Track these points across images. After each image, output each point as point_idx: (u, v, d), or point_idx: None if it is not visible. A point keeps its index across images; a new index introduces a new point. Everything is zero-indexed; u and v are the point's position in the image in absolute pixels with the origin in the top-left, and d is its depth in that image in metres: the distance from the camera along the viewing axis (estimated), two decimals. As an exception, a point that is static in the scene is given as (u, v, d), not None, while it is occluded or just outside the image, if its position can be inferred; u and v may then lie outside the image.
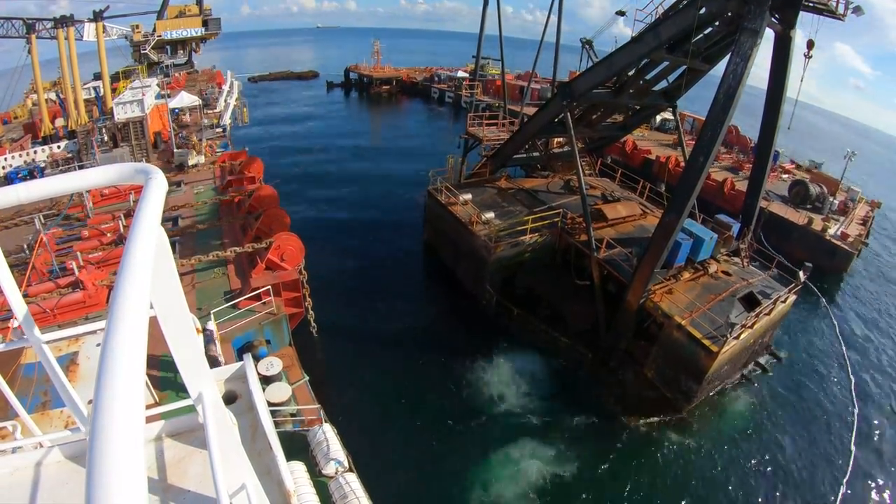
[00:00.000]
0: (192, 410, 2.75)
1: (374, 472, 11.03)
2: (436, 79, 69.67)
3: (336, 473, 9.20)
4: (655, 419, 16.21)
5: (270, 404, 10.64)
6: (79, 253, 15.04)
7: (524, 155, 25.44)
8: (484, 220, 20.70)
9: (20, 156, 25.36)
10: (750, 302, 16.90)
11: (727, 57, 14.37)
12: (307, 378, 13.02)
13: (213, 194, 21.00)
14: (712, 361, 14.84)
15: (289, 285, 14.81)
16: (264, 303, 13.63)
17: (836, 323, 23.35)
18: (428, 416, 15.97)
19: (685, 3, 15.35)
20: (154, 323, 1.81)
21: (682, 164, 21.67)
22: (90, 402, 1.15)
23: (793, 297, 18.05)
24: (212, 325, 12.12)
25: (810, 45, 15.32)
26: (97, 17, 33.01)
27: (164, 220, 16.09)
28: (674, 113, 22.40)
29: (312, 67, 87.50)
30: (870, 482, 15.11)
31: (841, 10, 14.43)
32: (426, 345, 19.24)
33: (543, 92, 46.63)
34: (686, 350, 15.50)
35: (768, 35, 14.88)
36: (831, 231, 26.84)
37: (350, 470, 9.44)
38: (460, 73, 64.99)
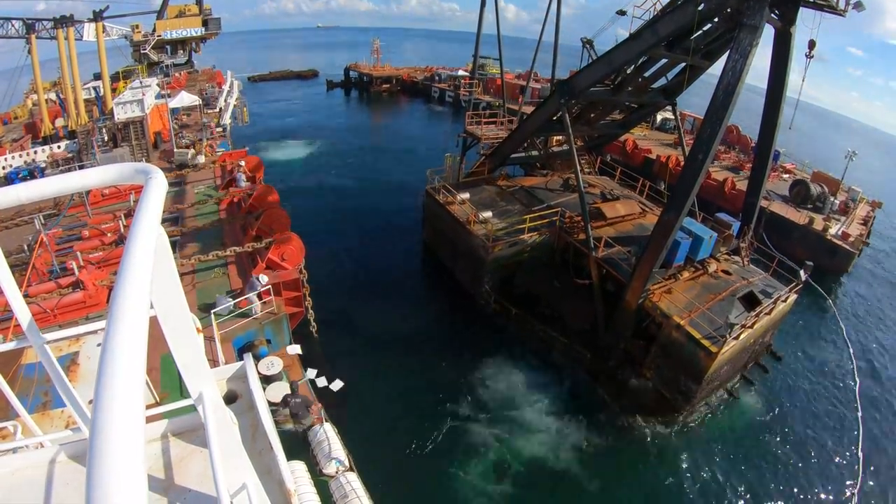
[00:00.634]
0: (192, 410, 2.75)
1: (374, 471, 11.05)
2: (436, 78, 69.62)
3: (337, 473, 9.21)
4: (654, 419, 16.20)
5: (271, 404, 10.66)
6: (79, 253, 15.05)
7: (523, 154, 25.40)
8: (482, 220, 20.67)
9: (20, 156, 25.38)
10: (750, 301, 16.85)
11: (726, 54, 14.34)
12: (307, 378, 13.03)
13: (214, 194, 21.00)
14: (712, 362, 14.80)
15: (289, 285, 14.83)
16: (265, 302, 13.64)
17: (837, 322, 23.33)
18: (428, 415, 15.98)
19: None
20: (154, 323, 1.81)
21: (683, 163, 21.63)
22: (91, 402, 1.15)
23: (794, 297, 17.97)
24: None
25: (812, 45, 15.25)
26: (97, 17, 33.06)
27: (164, 220, 16.11)
28: (674, 111, 22.34)
29: (312, 66, 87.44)
30: (879, 485, 15.05)
31: (842, 5, 14.33)
32: (425, 344, 19.25)
33: (544, 91, 46.58)
34: (685, 350, 15.47)
35: (769, 33, 14.86)
36: (832, 231, 26.81)
37: (350, 469, 9.46)
38: (460, 73, 64.95)
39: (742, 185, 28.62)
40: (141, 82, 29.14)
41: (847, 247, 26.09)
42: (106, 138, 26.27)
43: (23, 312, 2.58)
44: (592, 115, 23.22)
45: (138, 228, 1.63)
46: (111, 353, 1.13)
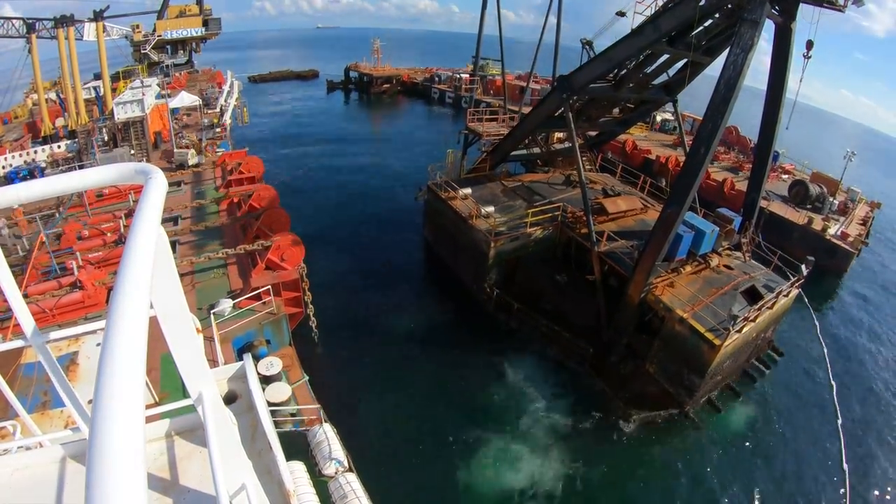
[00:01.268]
0: (192, 410, 2.75)
1: (374, 471, 11.04)
2: (436, 79, 69.61)
3: (336, 473, 9.20)
4: (657, 414, 16.18)
5: (270, 404, 10.65)
6: (79, 253, 15.04)
7: (524, 151, 25.39)
8: (484, 214, 20.61)
9: (20, 156, 25.37)
10: (752, 295, 16.88)
11: (727, 50, 14.36)
12: (307, 378, 13.02)
13: (214, 194, 21.00)
14: (715, 355, 14.82)
15: (289, 285, 14.81)
16: (264, 303, 13.63)
17: (837, 320, 23.40)
18: (428, 414, 15.98)
19: None
20: (154, 323, 1.81)
21: (683, 162, 21.62)
22: (90, 401, 1.15)
23: (795, 292, 17.99)
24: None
25: (809, 45, 15.29)
26: (97, 16, 33.07)
27: (164, 220, 16.09)
28: (674, 107, 22.32)
29: (312, 67, 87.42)
30: (867, 483, 15.11)
31: (841, 1, 14.38)
32: (426, 343, 19.25)
33: (544, 92, 46.60)
34: (688, 344, 15.49)
35: (769, 30, 14.88)
36: (831, 231, 26.84)
37: (350, 470, 9.45)
38: (460, 74, 64.97)
39: (741, 186, 28.64)
40: (141, 82, 29.13)
41: (846, 247, 26.12)
42: (106, 138, 26.27)
43: (22, 312, 2.58)
44: (593, 112, 23.20)
45: (138, 228, 1.63)
46: (111, 352, 1.13)
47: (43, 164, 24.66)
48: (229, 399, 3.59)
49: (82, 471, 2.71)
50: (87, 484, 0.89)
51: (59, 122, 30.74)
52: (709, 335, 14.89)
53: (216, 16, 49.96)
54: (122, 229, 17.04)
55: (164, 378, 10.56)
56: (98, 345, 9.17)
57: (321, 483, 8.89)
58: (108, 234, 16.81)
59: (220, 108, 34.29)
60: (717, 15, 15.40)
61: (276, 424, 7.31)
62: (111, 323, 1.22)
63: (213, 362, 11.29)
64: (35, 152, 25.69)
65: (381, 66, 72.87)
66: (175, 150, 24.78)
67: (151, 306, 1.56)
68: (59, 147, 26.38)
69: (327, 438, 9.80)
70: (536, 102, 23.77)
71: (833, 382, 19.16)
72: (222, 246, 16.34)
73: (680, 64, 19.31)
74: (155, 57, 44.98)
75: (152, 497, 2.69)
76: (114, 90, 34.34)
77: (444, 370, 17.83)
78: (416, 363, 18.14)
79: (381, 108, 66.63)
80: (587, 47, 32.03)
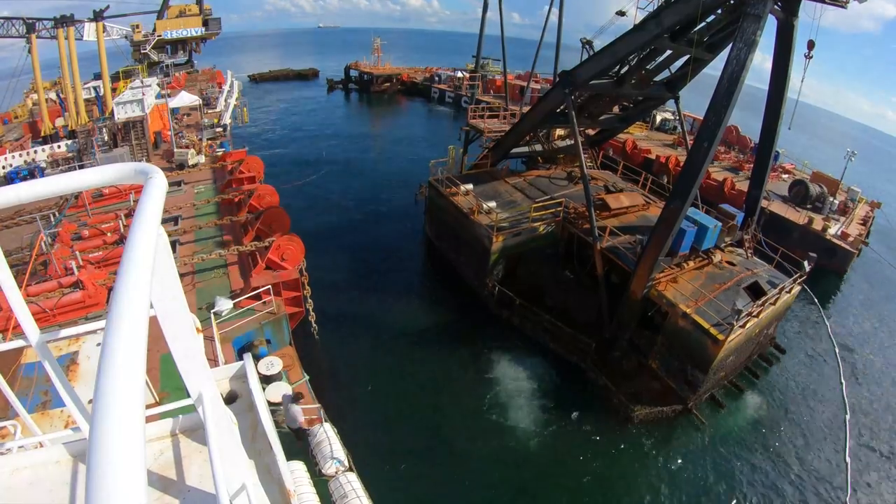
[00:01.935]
0: (192, 410, 2.75)
1: (374, 471, 11.04)
2: (436, 79, 69.59)
3: (336, 473, 9.20)
4: (660, 410, 16.17)
5: (270, 404, 10.64)
6: (79, 253, 15.04)
7: (526, 148, 25.38)
8: (486, 210, 20.58)
9: (20, 156, 25.36)
10: (755, 291, 16.90)
11: (729, 46, 14.39)
12: (307, 378, 13.02)
13: (214, 194, 20.99)
14: (718, 350, 14.84)
15: (289, 285, 14.80)
16: (264, 302, 13.63)
17: (839, 320, 23.42)
18: (429, 412, 15.99)
19: None
20: (154, 322, 1.81)
21: (684, 161, 21.64)
22: (90, 401, 1.15)
23: (797, 288, 18.01)
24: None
25: (811, 45, 15.30)
26: (97, 16, 33.05)
27: (164, 220, 16.10)
28: (676, 104, 22.29)
29: (313, 66, 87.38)
30: (870, 483, 15.10)
31: None
32: (428, 340, 19.26)
33: (544, 92, 46.62)
34: (692, 339, 15.51)
35: (770, 28, 14.86)
36: (832, 231, 26.84)
37: (350, 469, 9.44)
38: (460, 74, 64.95)
39: (742, 186, 28.67)
40: (141, 82, 29.13)
41: (846, 246, 26.13)
42: (106, 138, 26.25)
43: (22, 312, 2.58)
44: (594, 109, 23.19)
45: (138, 228, 1.63)
46: (111, 352, 1.13)
47: (43, 164, 24.64)
48: (230, 399, 3.60)
49: (83, 471, 2.71)
50: (87, 483, 0.89)
51: (59, 122, 30.71)
52: (713, 330, 14.91)
53: (216, 15, 49.91)
54: (122, 229, 17.04)
55: (164, 378, 10.56)
56: (98, 345, 9.16)
57: (321, 482, 8.88)
58: (109, 234, 16.80)
59: (220, 109, 34.30)
60: (719, 10, 15.42)
61: (277, 424, 7.31)
62: (111, 323, 1.22)
63: (214, 362, 11.29)
64: (35, 152, 25.68)
65: (382, 65, 72.93)
66: (175, 150, 24.76)
67: (151, 306, 1.57)
68: (59, 147, 26.37)
69: (327, 438, 9.79)
70: (538, 99, 23.75)
71: (837, 378, 19.18)
72: (222, 246, 16.34)
73: (682, 60, 19.32)
74: (155, 57, 44.96)
75: (153, 496, 2.70)
76: (114, 90, 34.32)
77: (445, 368, 17.83)
78: (417, 361, 18.14)
79: (382, 107, 66.65)
80: (587, 47, 32.01)
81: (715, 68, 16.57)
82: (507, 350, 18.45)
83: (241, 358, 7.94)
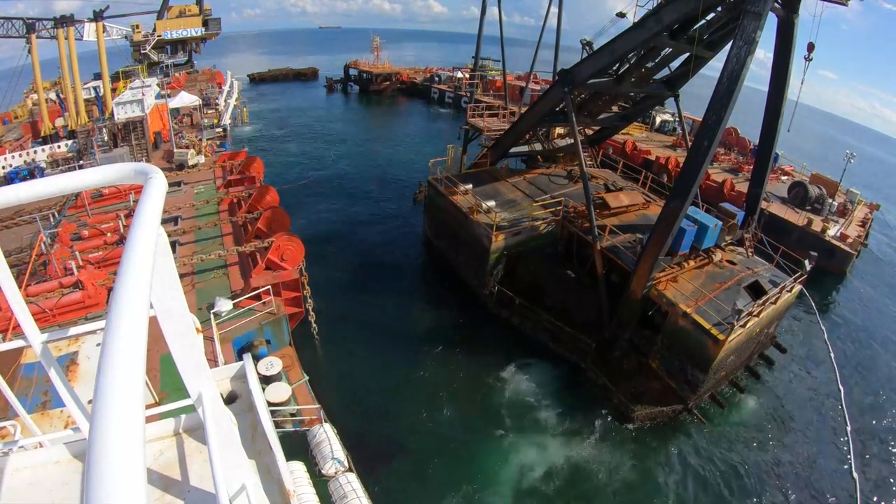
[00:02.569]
0: (192, 410, 2.75)
1: (374, 471, 11.05)
2: (436, 79, 69.64)
3: (336, 473, 9.20)
4: (660, 410, 16.15)
5: (270, 404, 10.65)
6: (79, 253, 15.03)
7: (525, 147, 25.34)
8: (485, 209, 20.55)
9: (20, 156, 25.37)
10: (756, 291, 16.88)
11: (730, 45, 14.36)
12: (307, 378, 13.02)
13: (213, 194, 21.00)
14: (719, 350, 14.82)
15: (289, 285, 14.81)
16: (264, 303, 13.63)
17: (838, 320, 23.46)
18: (429, 412, 15.97)
19: None
20: (154, 322, 1.81)
21: (684, 161, 21.64)
22: (90, 401, 1.15)
23: (798, 287, 17.98)
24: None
25: (810, 47, 15.31)
26: (97, 17, 33.06)
27: (164, 221, 16.10)
28: (676, 103, 22.21)
29: (313, 65, 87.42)
30: (875, 483, 15.09)
31: None
32: (427, 340, 19.24)
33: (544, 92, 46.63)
34: (692, 338, 15.48)
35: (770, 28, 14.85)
36: (831, 232, 26.86)
37: (350, 470, 9.44)
38: (459, 74, 64.99)
39: (741, 187, 28.66)
40: (141, 82, 29.14)
41: (846, 248, 26.14)
42: (106, 138, 26.26)
43: (22, 312, 2.58)
44: (594, 108, 23.14)
45: (138, 228, 1.63)
46: (111, 353, 1.13)
47: (43, 165, 24.65)
48: (229, 399, 3.60)
49: (83, 470, 2.71)
50: (86, 483, 0.89)
51: (59, 122, 30.73)
52: (713, 330, 14.89)
53: (216, 15, 49.95)
54: (122, 229, 17.04)
55: (164, 378, 10.56)
56: (98, 345, 9.18)
57: (321, 483, 8.89)
58: (109, 235, 16.80)
59: (220, 109, 34.31)
60: (719, 8, 15.39)
61: (276, 424, 7.31)
62: (111, 323, 1.22)
63: (213, 362, 11.29)
64: (35, 152, 25.70)
65: (381, 64, 73.02)
66: (175, 150, 24.78)
67: (151, 306, 1.57)
68: (59, 147, 26.38)
69: (327, 438, 9.80)
70: (537, 97, 23.71)
71: (836, 377, 19.18)
72: (222, 246, 16.34)
73: (682, 59, 19.31)
74: (155, 57, 44.99)
75: (153, 496, 2.70)
76: (114, 90, 34.33)
77: (445, 368, 17.82)
78: (417, 361, 18.13)
79: (381, 107, 66.70)
80: (587, 48, 32.05)
81: (714, 69, 16.55)
82: (506, 350, 18.44)
83: (240, 358, 7.94)
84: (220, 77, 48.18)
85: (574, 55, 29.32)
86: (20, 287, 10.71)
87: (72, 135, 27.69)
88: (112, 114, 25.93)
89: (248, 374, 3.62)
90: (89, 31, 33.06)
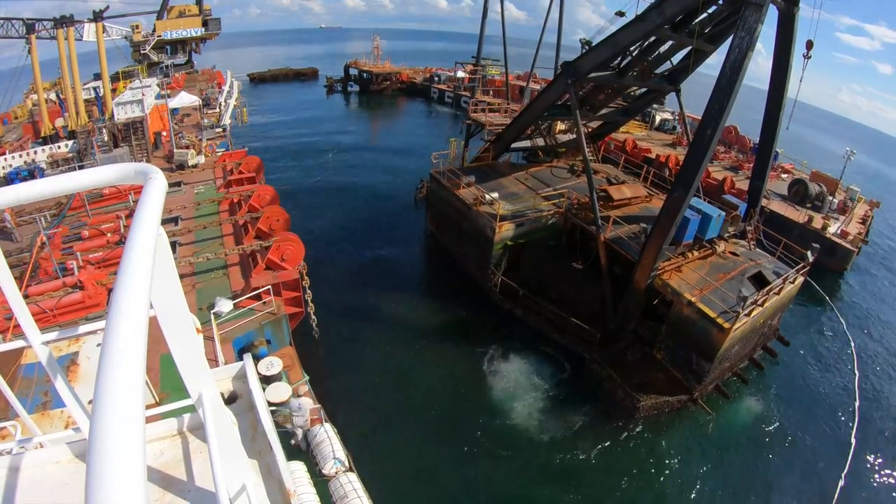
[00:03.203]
0: (192, 410, 2.76)
1: (374, 471, 11.04)
2: (436, 79, 69.61)
3: (336, 473, 9.20)
4: (665, 400, 16.16)
5: (270, 404, 10.65)
6: (79, 253, 15.04)
7: (527, 142, 25.31)
8: (489, 201, 20.49)
9: (20, 156, 25.35)
10: (759, 281, 16.90)
11: (731, 38, 14.34)
12: (307, 378, 13.02)
13: (213, 194, 20.99)
14: (724, 339, 14.83)
15: (289, 285, 14.81)
16: (264, 302, 13.62)
17: (837, 317, 23.45)
18: (430, 412, 15.96)
19: None
20: (154, 322, 1.81)
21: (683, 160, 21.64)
22: (90, 402, 1.15)
23: (801, 279, 18.04)
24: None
25: (809, 45, 15.31)
26: (97, 17, 33.00)
27: (164, 221, 16.08)
28: (678, 97, 22.20)
29: (313, 65, 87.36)
30: (873, 474, 15.12)
31: None
32: (429, 337, 19.25)
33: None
34: (697, 328, 15.49)
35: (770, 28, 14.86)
36: (831, 229, 26.86)
37: (350, 469, 9.44)
38: (459, 74, 64.96)
39: (742, 185, 28.66)
40: (141, 82, 29.12)
41: (846, 245, 26.14)
42: (106, 139, 26.23)
43: (22, 312, 2.58)
44: (596, 101, 23.13)
45: (138, 228, 1.63)
46: (111, 353, 1.13)
47: (43, 165, 24.63)
48: (230, 399, 3.60)
49: (83, 471, 2.71)
50: (87, 483, 0.89)
51: (59, 122, 30.70)
52: (718, 319, 14.90)
53: (216, 15, 49.90)
54: (122, 229, 17.03)
55: (164, 378, 10.56)
56: (98, 345, 9.15)
57: (321, 483, 8.88)
58: (109, 235, 16.80)
59: (220, 109, 34.30)
60: (720, 1, 15.41)
61: (276, 424, 7.31)
62: (111, 323, 1.22)
63: (214, 362, 11.30)
64: (35, 153, 25.67)
65: (381, 64, 72.98)
66: (175, 150, 24.76)
67: (151, 306, 1.57)
68: (59, 147, 26.35)
69: (328, 438, 9.79)
70: (540, 91, 23.67)
71: (838, 375, 19.23)
72: (222, 246, 16.33)
73: (683, 53, 19.30)
74: (155, 57, 44.95)
75: (154, 496, 2.70)
76: (113, 91, 34.30)
77: (447, 363, 17.82)
78: (419, 358, 18.13)
79: (381, 106, 66.70)
80: (586, 47, 32.06)
81: (714, 69, 16.54)
82: (510, 342, 18.44)
83: (241, 358, 7.95)
84: (219, 77, 48.13)
85: (574, 55, 29.37)
86: (20, 287, 10.73)
87: (72, 135, 27.67)
88: (112, 114, 25.91)
89: (249, 374, 3.62)
90: (89, 31, 33.01)
